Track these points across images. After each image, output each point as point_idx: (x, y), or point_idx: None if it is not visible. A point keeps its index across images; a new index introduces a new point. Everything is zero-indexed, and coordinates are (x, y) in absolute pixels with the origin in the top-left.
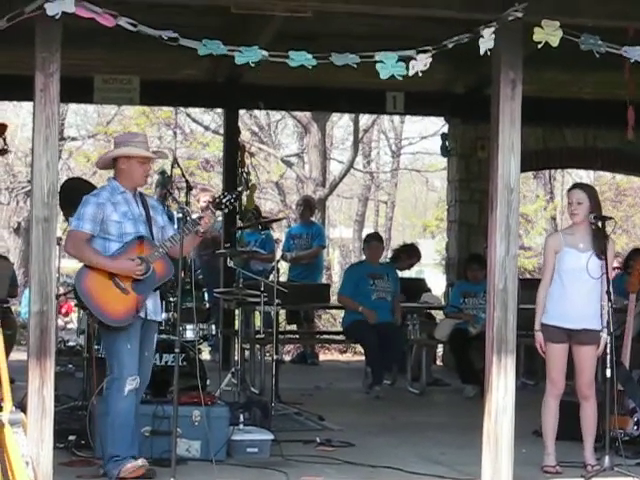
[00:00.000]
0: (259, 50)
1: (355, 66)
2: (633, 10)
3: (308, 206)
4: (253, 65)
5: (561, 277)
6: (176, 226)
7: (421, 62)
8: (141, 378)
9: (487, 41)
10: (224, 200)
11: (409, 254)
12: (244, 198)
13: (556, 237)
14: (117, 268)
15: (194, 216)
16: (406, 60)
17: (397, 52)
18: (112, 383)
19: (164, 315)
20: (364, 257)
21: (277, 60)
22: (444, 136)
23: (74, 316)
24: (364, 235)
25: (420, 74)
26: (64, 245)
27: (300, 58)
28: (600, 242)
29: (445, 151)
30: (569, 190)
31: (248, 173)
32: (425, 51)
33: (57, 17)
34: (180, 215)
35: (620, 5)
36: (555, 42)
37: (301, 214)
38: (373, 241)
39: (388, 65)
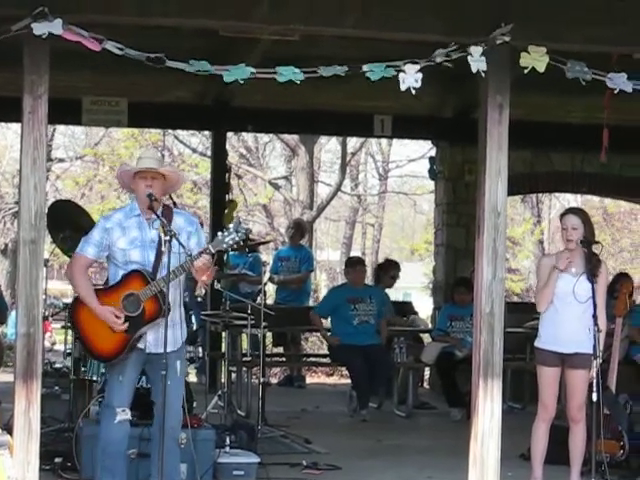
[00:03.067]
0: (247, 67)
1: (343, 74)
2: (618, 36)
3: (299, 230)
4: (242, 82)
5: (553, 301)
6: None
7: (412, 77)
8: (170, 411)
9: (478, 61)
10: (227, 239)
11: (385, 269)
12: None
13: (550, 259)
14: (100, 315)
15: (195, 251)
16: (396, 71)
17: (384, 63)
18: (104, 409)
19: None
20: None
21: (265, 77)
22: (432, 159)
23: (57, 337)
24: None
25: (413, 91)
26: (66, 268)
27: (288, 73)
28: (592, 266)
29: (433, 174)
30: (563, 215)
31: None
32: (413, 62)
33: (44, 37)
34: (167, 238)
35: (607, 31)
36: (541, 68)
37: (291, 237)
38: (355, 265)
39: (377, 71)
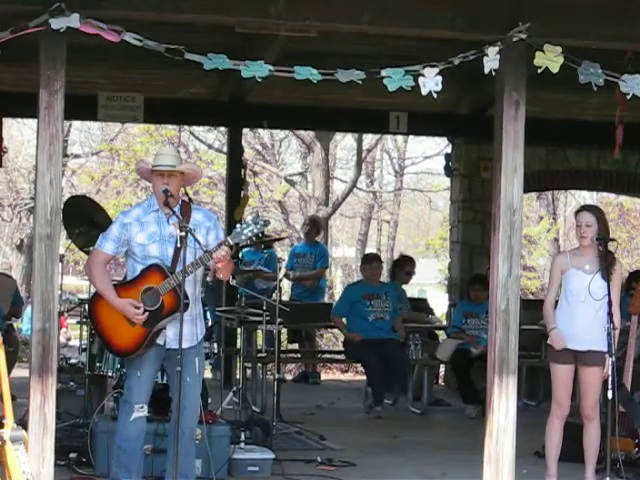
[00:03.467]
0: (265, 65)
1: (360, 82)
2: (635, 33)
3: (315, 226)
4: (260, 80)
5: (567, 298)
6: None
7: (432, 81)
8: (189, 410)
9: (492, 60)
10: (245, 231)
11: (401, 265)
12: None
13: (563, 256)
14: (118, 307)
15: (211, 245)
16: (414, 76)
17: (403, 67)
18: (123, 405)
19: None
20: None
21: (283, 75)
22: (447, 156)
23: (72, 333)
24: None
25: (435, 95)
26: (84, 264)
27: (305, 72)
28: (607, 263)
29: (448, 171)
30: (577, 212)
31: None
32: (432, 66)
33: (62, 30)
34: (182, 234)
35: (623, 27)
36: (555, 68)
37: (307, 233)
38: (372, 262)
39: (395, 79)
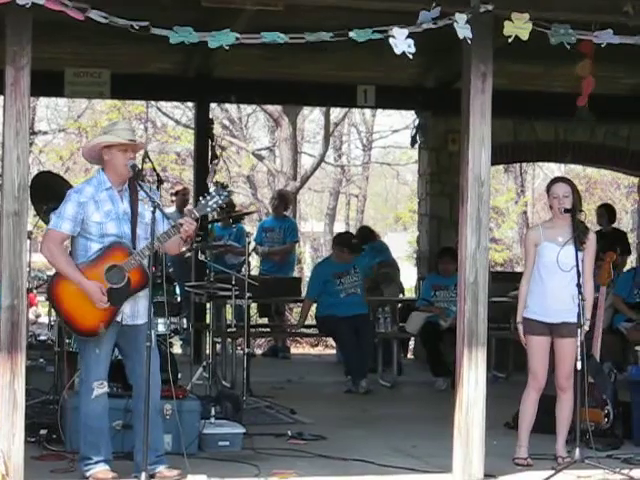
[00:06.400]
0: (232, 33)
1: (329, 39)
2: (603, 3)
3: (283, 201)
4: (227, 48)
5: (540, 271)
6: (146, 219)
7: (403, 42)
8: (143, 381)
9: (464, 28)
10: (210, 203)
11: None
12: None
13: (536, 230)
14: (86, 288)
15: (177, 220)
16: (385, 37)
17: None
18: (81, 384)
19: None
20: (331, 254)
21: (250, 42)
22: (419, 126)
23: (42, 310)
24: (336, 229)
25: (410, 56)
26: (40, 245)
27: (272, 36)
28: (578, 232)
29: (414, 141)
30: (553, 183)
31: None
32: (401, 27)
33: (27, 6)
34: (152, 209)
35: None
36: (525, 35)
37: (275, 208)
38: (346, 249)
39: (363, 35)
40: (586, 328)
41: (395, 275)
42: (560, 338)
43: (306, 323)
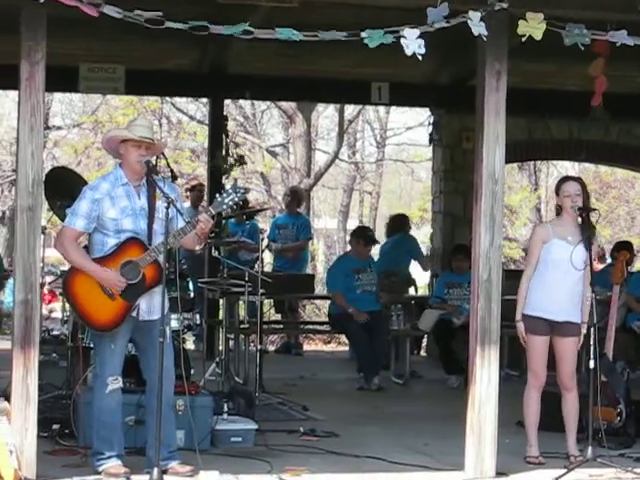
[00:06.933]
0: (247, 27)
1: (342, 39)
2: (616, 1)
3: (296, 197)
4: (241, 36)
5: (547, 268)
6: (161, 215)
7: (414, 42)
8: (165, 378)
9: (478, 26)
10: (226, 200)
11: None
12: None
13: (545, 227)
14: (101, 278)
15: (196, 216)
16: (396, 38)
17: (384, 29)
18: (96, 379)
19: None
20: (349, 250)
21: (264, 36)
22: (434, 124)
23: (57, 305)
24: (349, 226)
25: (420, 57)
26: (54, 242)
27: (287, 33)
28: (587, 233)
29: (432, 139)
30: (564, 181)
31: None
32: (412, 27)
33: (42, 1)
34: (165, 205)
35: None
36: (539, 35)
37: (288, 205)
38: (364, 242)
39: (375, 37)
40: (584, 331)
41: (401, 286)
42: (561, 337)
43: (319, 320)
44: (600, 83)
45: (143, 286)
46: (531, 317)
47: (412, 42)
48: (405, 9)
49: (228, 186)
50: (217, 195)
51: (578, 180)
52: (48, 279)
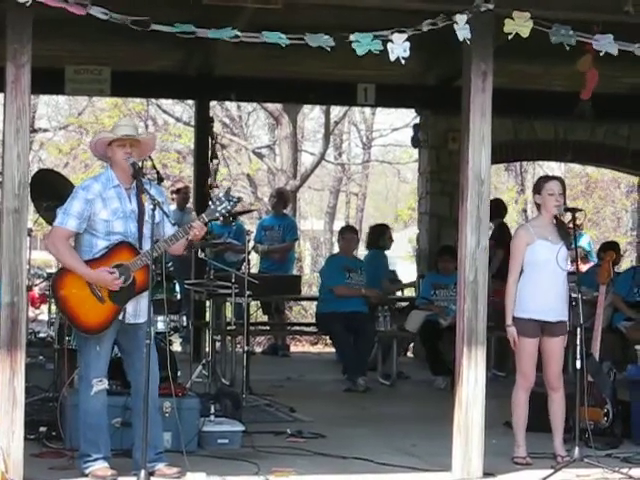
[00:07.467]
0: (232, 30)
1: (329, 49)
2: (604, 2)
3: (282, 198)
4: (228, 39)
5: (533, 269)
6: (147, 217)
7: (400, 47)
8: (143, 380)
9: (463, 29)
10: (219, 208)
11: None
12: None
13: (527, 229)
14: (94, 279)
15: (192, 220)
16: (383, 42)
17: (372, 33)
18: (81, 381)
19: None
20: (338, 249)
21: (251, 40)
22: (416, 127)
23: (45, 307)
24: (335, 227)
25: (403, 61)
26: (45, 241)
27: (274, 37)
28: (568, 233)
29: (416, 142)
30: (547, 180)
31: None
32: (400, 32)
33: (27, 4)
34: (152, 207)
35: None
36: (525, 33)
37: (274, 206)
38: (347, 233)
39: (364, 43)
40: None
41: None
42: (551, 337)
43: (306, 321)
44: (591, 76)
45: (133, 290)
46: (522, 319)
47: (398, 46)
48: (391, 10)
49: (221, 194)
50: (210, 203)
51: (561, 180)
52: (38, 282)
